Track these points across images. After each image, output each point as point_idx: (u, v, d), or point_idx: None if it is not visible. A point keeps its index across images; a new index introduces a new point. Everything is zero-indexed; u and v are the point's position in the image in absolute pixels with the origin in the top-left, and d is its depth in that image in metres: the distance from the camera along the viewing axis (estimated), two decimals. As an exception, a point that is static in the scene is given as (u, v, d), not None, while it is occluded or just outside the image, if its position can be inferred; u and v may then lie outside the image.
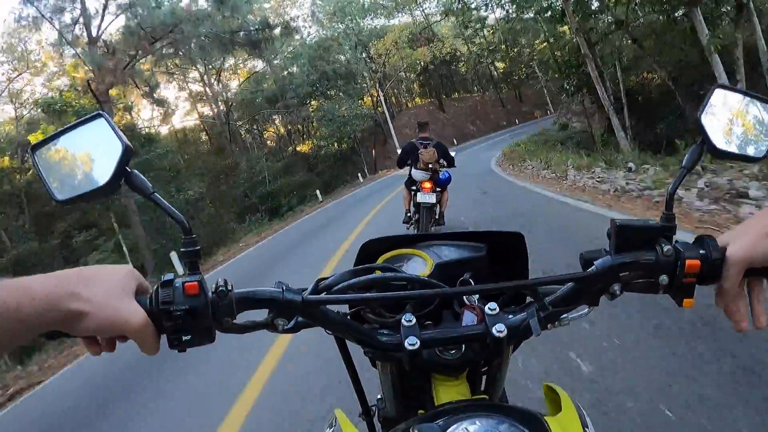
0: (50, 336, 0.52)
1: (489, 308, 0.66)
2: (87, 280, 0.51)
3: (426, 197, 5.72)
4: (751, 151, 0.70)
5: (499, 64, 48.23)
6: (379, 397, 1.00)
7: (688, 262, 0.59)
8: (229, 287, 0.57)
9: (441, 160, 5.83)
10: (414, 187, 5.92)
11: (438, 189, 5.87)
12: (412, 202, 6.07)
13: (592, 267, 0.62)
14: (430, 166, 5.74)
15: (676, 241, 0.61)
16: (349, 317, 0.73)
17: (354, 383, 0.95)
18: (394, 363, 0.77)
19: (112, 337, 0.56)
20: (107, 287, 0.52)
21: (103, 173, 0.58)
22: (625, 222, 0.61)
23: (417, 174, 5.85)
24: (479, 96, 50.25)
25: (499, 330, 0.63)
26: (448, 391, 0.72)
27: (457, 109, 46.06)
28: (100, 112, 0.61)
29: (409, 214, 6.27)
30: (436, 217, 6.03)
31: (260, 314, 0.62)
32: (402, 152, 6.14)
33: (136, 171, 0.58)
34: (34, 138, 19.61)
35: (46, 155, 0.62)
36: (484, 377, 0.80)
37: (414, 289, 0.70)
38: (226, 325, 0.58)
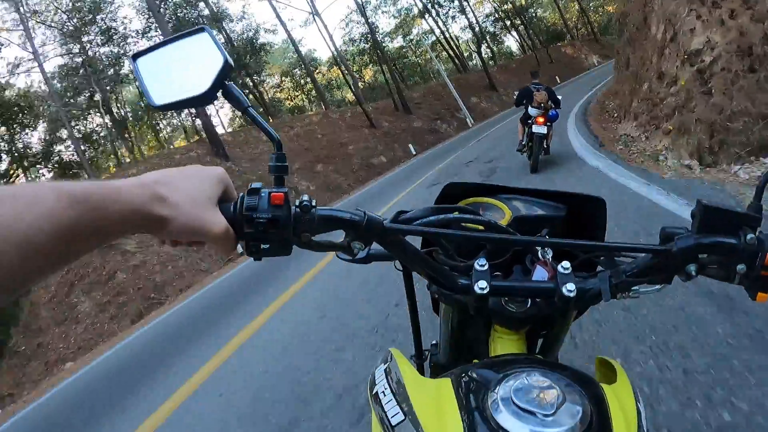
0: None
1: (562, 266, 0.65)
2: (174, 185, 0.52)
3: (540, 129, 6.99)
4: None
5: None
6: (433, 342, 1.02)
7: None
8: (313, 203, 0.57)
9: (550, 102, 7.22)
10: (529, 121, 7.25)
11: (548, 123, 7.10)
12: (526, 134, 7.47)
13: (672, 243, 0.61)
14: (542, 105, 7.18)
15: (760, 232, 0.60)
16: None
17: (413, 324, 0.97)
18: (458, 307, 0.79)
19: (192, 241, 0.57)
20: (193, 193, 0.52)
21: (201, 84, 0.59)
22: (711, 204, 0.60)
23: (532, 111, 7.24)
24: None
25: (569, 289, 0.62)
26: (506, 345, 0.72)
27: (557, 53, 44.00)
28: (204, 26, 0.63)
29: (522, 143, 7.75)
30: (545, 147, 7.33)
31: (338, 237, 0.63)
32: (519, 95, 7.63)
33: (233, 84, 0.59)
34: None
35: (146, 63, 0.65)
36: (541, 341, 0.81)
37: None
38: (304, 240, 0.58)
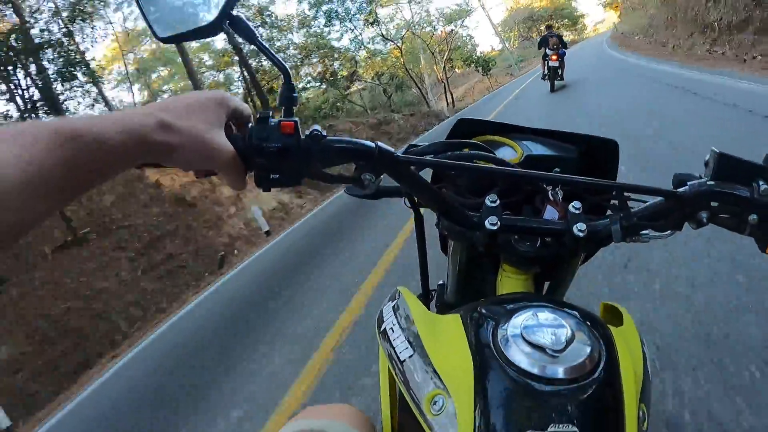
0: (141, 166, 0.52)
1: (573, 206, 0.65)
2: (178, 111, 0.50)
3: (554, 63, 12.07)
4: None
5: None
6: (440, 282, 1.06)
7: None
8: (324, 133, 0.57)
9: (559, 44, 12.23)
10: (546, 59, 12.32)
11: (560, 59, 12.13)
12: (546, 67, 12.56)
13: (685, 187, 0.61)
14: (555, 47, 12.11)
15: None
16: None
17: (421, 263, 0.99)
18: (467, 245, 0.79)
19: (201, 170, 0.56)
20: (199, 119, 0.51)
21: (207, 14, 0.59)
22: (726, 152, 0.60)
23: (548, 51, 12.22)
24: None
25: (580, 229, 0.62)
26: (514, 285, 0.72)
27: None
28: None
29: (544, 73, 12.93)
30: (559, 75, 12.41)
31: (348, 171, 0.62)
32: (540, 40, 13.01)
33: (241, 15, 0.58)
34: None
35: None
36: (547, 284, 0.83)
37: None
38: (314, 170, 0.58)
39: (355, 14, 28.24)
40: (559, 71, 12.47)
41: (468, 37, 58.01)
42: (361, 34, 29.08)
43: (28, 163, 0.37)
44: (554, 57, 12.16)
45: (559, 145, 0.88)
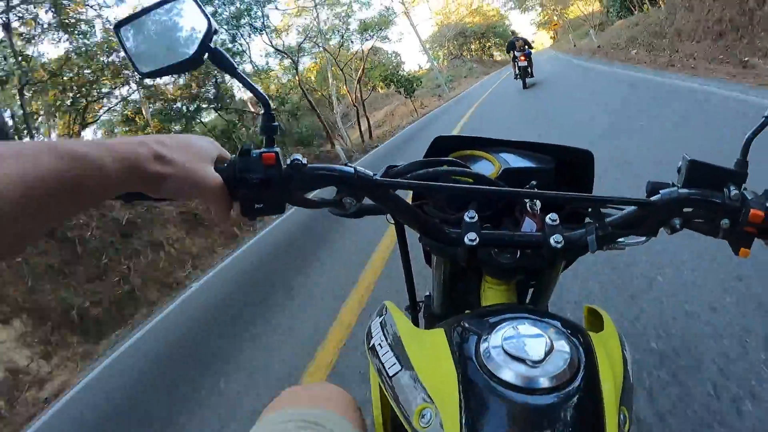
0: (127, 198, 0.55)
1: (550, 218, 0.66)
2: (171, 145, 0.52)
3: (522, 63, 13.53)
4: None
5: None
6: (427, 294, 1.06)
7: (752, 211, 0.59)
8: (304, 161, 0.59)
9: (525, 46, 13.90)
10: (515, 60, 13.87)
11: (527, 59, 13.54)
12: (517, 67, 14.03)
13: (658, 195, 0.62)
14: (521, 48, 13.77)
15: (745, 189, 0.61)
16: None
17: (406, 276, 1.01)
18: (449, 259, 0.81)
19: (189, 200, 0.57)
20: (190, 153, 0.53)
21: (186, 49, 0.60)
22: (697, 159, 0.61)
23: (517, 53, 13.77)
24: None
25: (556, 240, 0.63)
26: (497, 295, 0.74)
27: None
28: None
29: (516, 74, 14.35)
30: (530, 73, 13.86)
31: (330, 194, 0.63)
32: (508, 45, 14.79)
33: (219, 48, 0.59)
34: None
35: (129, 32, 0.64)
36: (531, 291, 0.85)
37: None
38: (297, 198, 0.60)
39: (235, 19, 20.66)
40: (529, 69, 13.75)
41: (393, 54, 52.78)
42: (247, 44, 21.87)
43: (31, 181, 0.39)
44: (522, 58, 13.51)
45: (536, 156, 0.89)
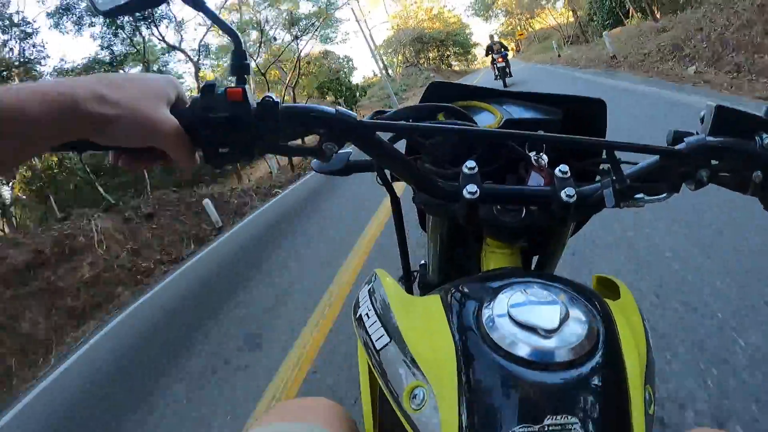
0: (73, 147, 0.49)
1: (560, 170, 0.59)
2: (117, 84, 0.46)
3: (500, 64, 14.84)
4: None
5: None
6: (422, 262, 0.99)
7: None
8: (276, 100, 0.52)
9: (502, 49, 15.12)
10: (494, 62, 15.12)
11: (504, 60, 14.93)
12: (496, 68, 15.25)
13: (683, 143, 0.55)
14: (499, 51, 15.04)
15: None
16: None
17: (400, 243, 0.93)
18: (446, 219, 0.76)
19: (143, 150, 0.50)
20: (139, 93, 0.47)
21: None
22: (725, 105, 0.55)
23: (495, 55, 15.02)
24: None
25: (568, 194, 0.56)
26: (499, 261, 0.68)
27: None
28: None
29: (495, 75, 15.50)
30: (508, 72, 15.01)
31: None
32: (487, 48, 15.73)
33: None
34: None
35: None
36: (536, 258, 0.78)
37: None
38: (268, 142, 0.53)
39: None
40: (507, 69, 15.05)
41: (345, 59, 47.79)
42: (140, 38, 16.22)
43: None
44: (500, 60, 14.91)
45: (541, 108, 0.80)
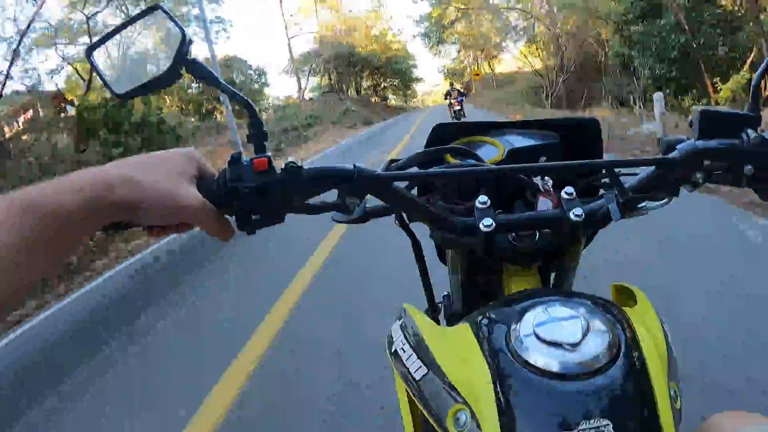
0: (109, 229, 0.51)
1: (565, 192, 0.63)
2: (140, 165, 0.49)
3: (457, 108, 17.02)
4: None
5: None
6: (445, 293, 0.98)
7: None
8: (300, 164, 0.56)
9: (458, 95, 17.42)
10: (450, 105, 17.34)
11: (460, 104, 17.16)
12: (452, 111, 17.25)
13: (675, 151, 0.60)
14: (456, 97, 17.40)
15: (763, 131, 0.59)
16: None
17: (423, 278, 0.95)
18: (465, 252, 0.76)
19: (177, 225, 0.54)
20: (162, 171, 0.50)
21: (163, 63, 0.59)
22: (708, 108, 0.60)
23: (452, 100, 17.17)
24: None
25: (576, 214, 0.60)
26: (520, 283, 0.71)
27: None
28: (158, 4, 0.61)
29: (451, 116, 16.66)
30: (463, 114, 16.89)
31: (330, 198, 0.61)
32: (445, 93, 18.01)
33: (196, 58, 0.57)
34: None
35: (102, 55, 0.64)
36: (553, 274, 0.81)
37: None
38: (296, 204, 0.58)
39: None
40: (462, 112, 17.11)
41: (257, 72, 37.09)
42: None
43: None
44: (456, 103, 17.07)
45: (540, 134, 0.86)
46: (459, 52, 44.14)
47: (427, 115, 32.17)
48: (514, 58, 34.53)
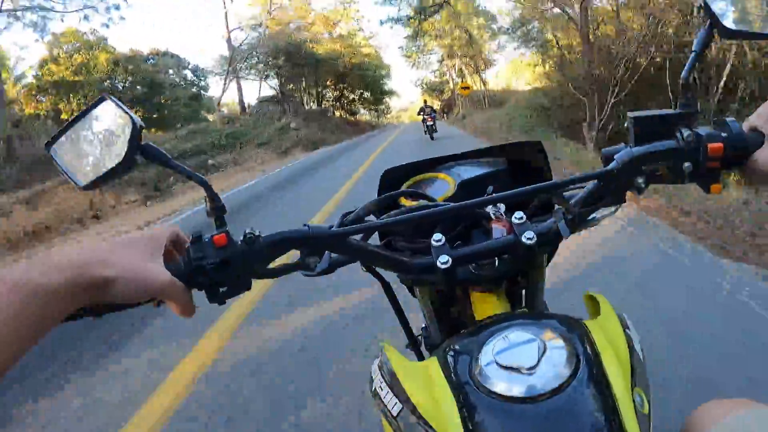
0: (73, 317, 0.51)
1: (516, 217, 0.66)
2: (114, 245, 0.51)
3: (429, 123, 18.61)
4: (766, 27, 0.67)
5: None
6: (423, 326, 1.02)
7: (710, 146, 0.58)
8: (257, 233, 0.58)
9: (431, 111, 19.15)
10: (424, 121, 18.88)
11: (432, 120, 18.82)
12: (426, 126, 18.77)
13: (613, 162, 0.62)
14: (429, 114, 18.96)
15: (696, 127, 0.60)
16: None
17: (398, 316, 0.96)
18: (431, 286, 0.81)
19: (148, 301, 0.55)
20: (134, 251, 0.52)
21: (118, 152, 0.59)
22: (641, 113, 0.62)
23: (425, 116, 18.80)
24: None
25: (528, 237, 0.63)
26: (487, 306, 0.74)
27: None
28: (105, 95, 0.62)
29: (424, 131, 18.93)
30: (434, 129, 18.82)
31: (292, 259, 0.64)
32: (420, 109, 19.60)
33: (150, 143, 0.59)
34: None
35: (61, 149, 0.64)
36: (524, 292, 0.84)
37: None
38: (260, 271, 0.60)
39: None
40: (434, 127, 18.56)
41: (196, 73, 29.58)
42: None
43: None
44: (429, 119, 18.37)
45: (487, 161, 0.90)
46: (440, 62, 37.30)
47: (399, 134, 26.45)
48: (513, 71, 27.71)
